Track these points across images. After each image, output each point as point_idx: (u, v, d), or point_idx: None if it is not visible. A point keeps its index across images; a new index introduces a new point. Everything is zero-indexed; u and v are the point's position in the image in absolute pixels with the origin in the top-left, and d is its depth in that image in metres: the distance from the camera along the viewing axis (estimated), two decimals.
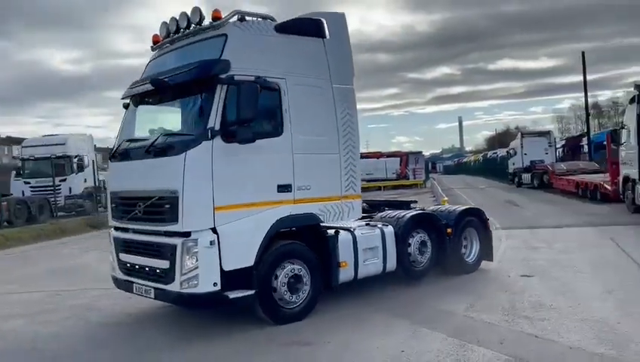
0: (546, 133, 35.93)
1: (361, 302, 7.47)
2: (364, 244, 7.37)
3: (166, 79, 6.46)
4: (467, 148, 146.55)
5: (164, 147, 6.33)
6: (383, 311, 7.07)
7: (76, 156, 25.87)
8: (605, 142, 33.06)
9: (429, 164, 59.55)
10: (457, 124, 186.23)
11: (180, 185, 5.95)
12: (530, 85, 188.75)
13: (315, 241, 7.00)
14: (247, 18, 6.64)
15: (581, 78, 35.28)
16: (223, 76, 6.13)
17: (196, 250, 5.91)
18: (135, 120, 7.45)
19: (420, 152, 46.20)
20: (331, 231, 7.17)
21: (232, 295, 6.07)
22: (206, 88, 6.23)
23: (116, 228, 7.24)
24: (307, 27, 7.15)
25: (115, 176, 7.48)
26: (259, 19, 6.85)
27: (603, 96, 61.65)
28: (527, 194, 27.76)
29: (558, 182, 26.33)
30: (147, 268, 6.50)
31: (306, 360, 5.62)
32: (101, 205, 24.17)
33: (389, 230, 7.80)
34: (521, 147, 33.58)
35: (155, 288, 6.36)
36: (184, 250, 5.95)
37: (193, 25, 6.77)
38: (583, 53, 35.53)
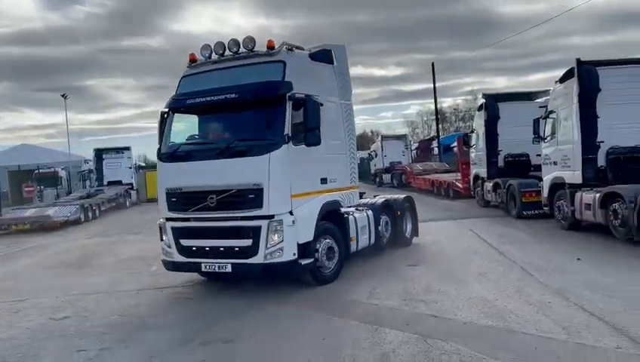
0: (402, 136, 38.99)
1: (277, 299, 7.81)
2: (360, 224, 9.48)
3: (239, 95, 7.85)
4: None
5: (245, 149, 7.75)
6: (299, 304, 7.50)
7: None
8: (451, 145, 37.20)
9: None
10: None
11: (266, 179, 7.52)
12: (382, 91, 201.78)
13: (337, 222, 8.87)
14: (293, 49, 8.37)
15: (424, 85, 39.16)
16: (289, 94, 7.71)
17: (281, 229, 7.56)
18: (184, 127, 8.94)
19: None
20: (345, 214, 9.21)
21: (303, 262, 7.86)
22: (276, 103, 7.73)
23: (168, 219, 8.34)
24: (326, 56, 9.09)
25: (172, 175, 8.39)
26: (298, 49, 8.56)
27: (445, 103, 68.70)
28: (389, 192, 29.80)
29: (416, 181, 28.73)
30: (222, 248, 7.87)
31: (229, 356, 5.77)
32: None
33: (370, 213, 9.97)
34: (382, 149, 35.97)
35: (232, 263, 7.77)
36: (270, 229, 7.56)
37: (245, 50, 8.17)
38: (432, 64, 39.14)
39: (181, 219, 8.27)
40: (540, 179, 15.49)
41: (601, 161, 11.72)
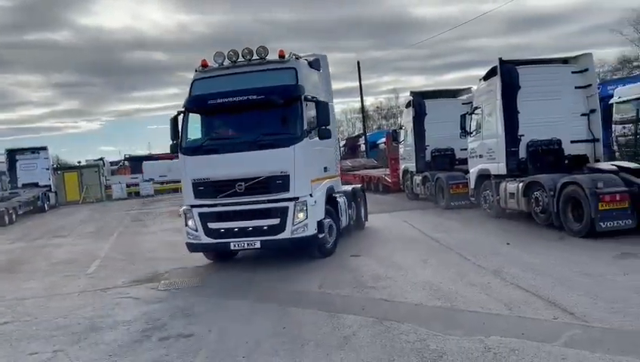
0: None
1: (227, 295, 7.86)
2: (343, 207, 10.98)
3: (265, 96, 9.03)
4: None
5: (272, 142, 9.09)
6: (252, 299, 7.55)
7: None
8: (377, 142, 38.26)
9: None
10: None
11: (292, 167, 8.94)
12: None
13: (332, 204, 10.36)
14: (298, 57, 9.83)
15: (346, 84, 39.75)
16: (304, 95, 9.14)
17: (305, 208, 9.03)
18: (204, 124, 9.94)
19: None
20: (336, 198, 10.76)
21: (320, 236, 9.40)
22: (294, 103, 9.13)
23: (193, 206, 9.33)
24: (317, 63, 10.68)
25: (199, 167, 9.35)
26: (302, 58, 10.04)
27: (367, 101, 70.53)
28: None
29: (346, 177, 29.08)
30: (250, 228, 9.05)
31: (194, 349, 5.75)
32: None
33: (345, 199, 11.43)
34: None
35: (261, 240, 9.01)
36: (296, 209, 8.98)
37: (258, 57, 9.32)
38: (358, 63, 39.91)
39: (207, 205, 9.24)
40: (466, 172, 16.44)
41: (522, 153, 12.63)
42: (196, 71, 9.77)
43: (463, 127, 15.04)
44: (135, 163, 43.78)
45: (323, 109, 9.30)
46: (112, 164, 47.29)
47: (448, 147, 18.79)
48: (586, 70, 12.88)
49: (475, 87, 15.89)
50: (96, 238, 15.79)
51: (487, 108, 13.61)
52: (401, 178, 21.10)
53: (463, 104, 19.56)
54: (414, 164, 19.16)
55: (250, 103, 9.10)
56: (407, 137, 19.98)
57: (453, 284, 7.35)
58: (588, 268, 7.63)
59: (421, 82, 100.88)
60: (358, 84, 39.86)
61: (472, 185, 14.71)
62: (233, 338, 5.91)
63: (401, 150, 20.86)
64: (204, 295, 7.88)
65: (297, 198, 8.99)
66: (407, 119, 19.97)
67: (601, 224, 9.56)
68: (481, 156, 14.03)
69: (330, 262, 9.58)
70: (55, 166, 36.69)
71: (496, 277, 7.54)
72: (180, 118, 9.59)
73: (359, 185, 14.90)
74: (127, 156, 49.41)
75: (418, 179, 18.73)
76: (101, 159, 44.06)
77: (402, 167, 20.78)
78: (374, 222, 13.90)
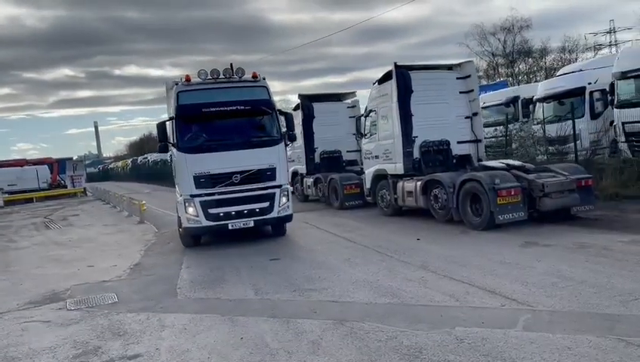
0: None
1: (156, 307, 7.21)
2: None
3: (251, 107, 11.46)
4: (105, 154, 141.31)
5: (261, 142, 11.44)
6: (186, 310, 7.05)
7: None
8: None
9: None
10: (92, 129, 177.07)
11: (277, 161, 11.45)
12: (159, 92, 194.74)
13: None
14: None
15: None
16: (277, 108, 11.93)
17: (287, 194, 11.64)
18: (194, 129, 11.32)
19: (80, 159, 42.41)
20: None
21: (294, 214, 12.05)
22: (270, 113, 11.61)
23: (194, 196, 10.98)
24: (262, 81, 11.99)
25: (199, 163, 11.03)
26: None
27: None
28: None
29: None
30: (245, 211, 11.13)
31: None
32: None
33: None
34: None
35: (254, 220, 11.22)
36: (281, 194, 11.44)
37: (237, 76, 11.50)
38: (231, 65, 39.07)
39: (207, 194, 10.93)
40: (358, 173, 17.02)
41: (416, 153, 13.38)
42: (177, 84, 11.33)
43: (357, 130, 15.50)
44: None
45: (290, 118, 12.13)
46: None
47: (336, 149, 19.31)
48: (469, 76, 14.01)
49: (359, 92, 16.49)
50: None
51: (382, 111, 14.14)
52: (289, 180, 21.09)
53: (348, 107, 20.33)
54: (304, 166, 19.35)
55: (237, 112, 11.33)
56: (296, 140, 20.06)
57: (390, 281, 7.50)
58: (503, 258, 8.26)
59: (279, 87, 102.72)
60: None
61: (367, 185, 15.20)
62: (191, 353, 5.40)
63: (290, 152, 20.85)
64: (128, 311, 7.11)
65: (281, 186, 11.43)
66: (295, 122, 20.00)
67: (500, 217, 10.43)
68: (377, 157, 14.55)
69: (249, 267, 9.25)
70: None
71: (426, 271, 7.84)
72: (169, 123, 11.30)
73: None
74: None
75: (309, 180, 18.93)
76: None
77: (291, 169, 20.79)
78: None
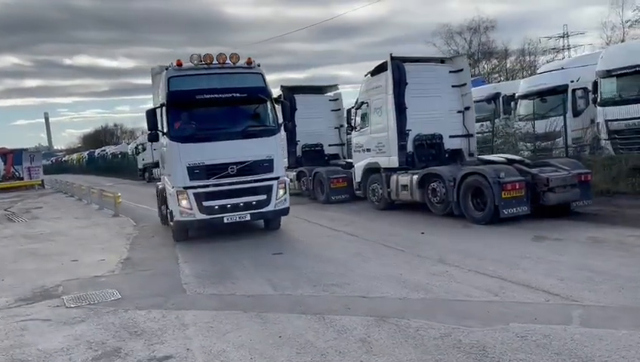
0: None
1: (167, 304, 6.63)
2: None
3: (248, 94, 10.81)
4: (56, 147, 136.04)
5: (258, 132, 10.83)
6: (204, 306, 6.54)
7: None
8: None
9: None
10: (42, 120, 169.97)
11: (275, 153, 10.91)
12: (113, 84, 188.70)
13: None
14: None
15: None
16: (273, 96, 11.34)
17: (285, 186, 11.03)
18: (192, 116, 10.64)
19: (37, 150, 40.24)
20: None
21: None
22: (268, 101, 11.04)
23: (187, 187, 10.29)
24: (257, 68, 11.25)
25: (192, 153, 10.34)
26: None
27: None
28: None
29: None
30: (241, 204, 10.54)
31: None
32: None
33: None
34: (151, 144, 33.67)
35: (250, 213, 10.62)
36: (278, 186, 10.85)
37: (230, 63, 10.72)
38: (191, 57, 38.06)
39: (201, 186, 10.27)
40: (344, 167, 16.70)
41: (409, 147, 13.15)
42: (167, 69, 10.63)
43: (348, 122, 15.15)
44: None
45: (285, 107, 11.58)
46: None
47: (317, 142, 18.93)
48: (461, 70, 13.89)
49: (342, 85, 16.20)
50: None
51: (375, 103, 13.83)
52: None
53: (330, 100, 19.95)
54: (286, 160, 18.82)
55: (233, 100, 10.68)
56: None
57: (413, 275, 7.18)
58: (520, 252, 8.06)
59: None
60: None
61: (357, 178, 14.87)
62: (228, 354, 4.89)
63: None
64: (137, 308, 6.50)
65: (278, 178, 10.88)
66: None
67: (504, 211, 10.29)
68: (368, 150, 14.24)
69: (252, 261, 8.76)
70: None
71: (447, 265, 7.55)
72: (159, 111, 10.55)
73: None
74: None
75: (292, 174, 18.39)
76: None
77: None
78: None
